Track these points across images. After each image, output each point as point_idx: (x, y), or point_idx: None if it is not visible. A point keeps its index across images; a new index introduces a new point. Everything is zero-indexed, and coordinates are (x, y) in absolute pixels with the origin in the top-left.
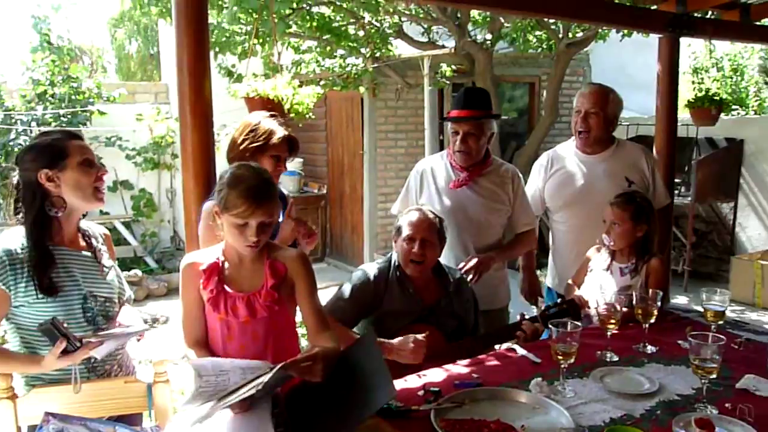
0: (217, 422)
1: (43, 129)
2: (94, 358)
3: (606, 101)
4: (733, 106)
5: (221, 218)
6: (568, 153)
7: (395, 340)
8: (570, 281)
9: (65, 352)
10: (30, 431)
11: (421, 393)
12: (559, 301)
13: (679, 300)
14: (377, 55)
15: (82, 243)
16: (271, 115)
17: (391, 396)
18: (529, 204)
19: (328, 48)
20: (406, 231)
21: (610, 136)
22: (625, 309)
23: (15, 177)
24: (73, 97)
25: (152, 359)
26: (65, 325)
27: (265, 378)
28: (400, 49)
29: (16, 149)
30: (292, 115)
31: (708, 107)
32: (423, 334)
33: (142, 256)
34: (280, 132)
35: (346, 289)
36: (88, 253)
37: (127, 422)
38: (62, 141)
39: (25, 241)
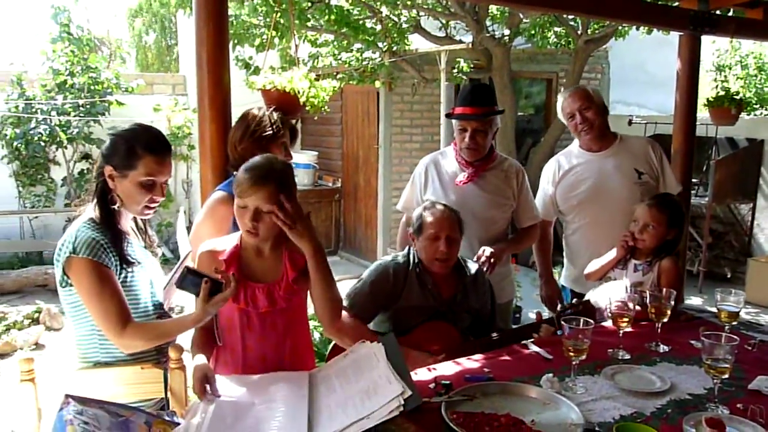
0: (228, 411)
1: (130, 125)
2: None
3: (589, 94)
4: (757, 106)
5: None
6: (575, 155)
7: (415, 353)
8: (588, 270)
9: (211, 295)
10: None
11: (432, 386)
12: (574, 302)
13: (694, 301)
14: (394, 49)
15: (137, 234)
16: (271, 108)
17: (417, 403)
18: (533, 199)
19: (345, 42)
20: (429, 230)
21: (612, 132)
22: (638, 308)
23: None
24: (92, 87)
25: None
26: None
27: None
28: (417, 43)
29: (36, 138)
30: (307, 108)
31: (728, 106)
32: (441, 357)
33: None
34: (285, 121)
35: (365, 284)
36: (140, 242)
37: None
38: (142, 151)
39: (102, 231)
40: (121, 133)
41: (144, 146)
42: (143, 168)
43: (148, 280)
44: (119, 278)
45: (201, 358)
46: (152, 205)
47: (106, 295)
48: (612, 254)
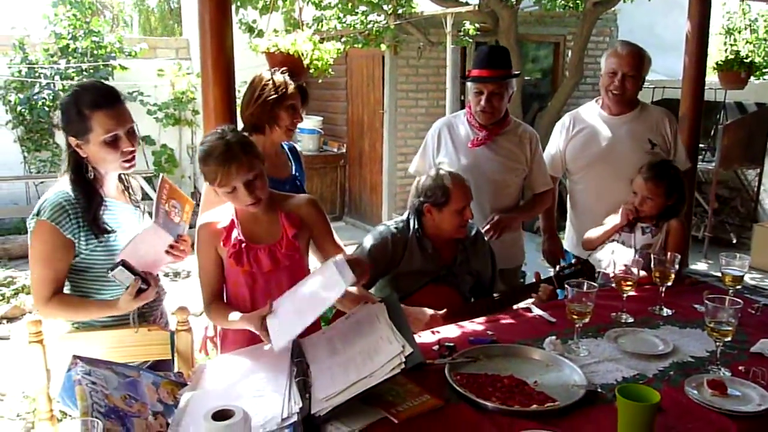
0: (234, 370)
1: (75, 82)
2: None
3: (642, 63)
4: (766, 70)
5: (217, 191)
6: (591, 114)
7: (411, 309)
8: (588, 235)
9: (139, 292)
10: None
11: (436, 348)
12: (573, 261)
13: (699, 266)
14: (399, 11)
15: (125, 195)
16: (279, 70)
17: (418, 360)
18: (546, 165)
19: (350, 4)
20: (459, 203)
21: (636, 98)
22: (642, 273)
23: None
24: (95, 51)
25: (173, 311)
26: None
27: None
28: (423, 5)
29: (40, 103)
30: (311, 70)
31: (737, 70)
32: (441, 312)
33: None
34: (292, 82)
35: (364, 251)
36: (129, 204)
37: (159, 369)
38: (90, 111)
39: (76, 194)
40: (65, 100)
41: (90, 105)
42: (99, 127)
43: None
44: (93, 243)
45: (237, 314)
46: (129, 157)
47: (49, 263)
48: (613, 221)
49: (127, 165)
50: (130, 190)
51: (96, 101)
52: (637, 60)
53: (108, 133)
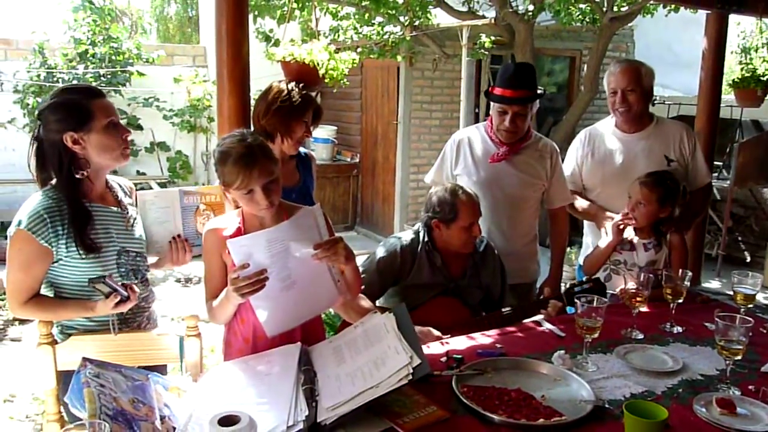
0: (240, 376)
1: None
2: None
3: (639, 76)
4: None
5: (229, 194)
6: (606, 131)
7: (417, 328)
8: (587, 260)
9: (118, 302)
10: (64, 376)
11: (444, 359)
12: (584, 278)
13: (712, 285)
14: (416, 23)
15: (111, 198)
16: (297, 85)
17: (425, 372)
18: (566, 180)
19: (367, 15)
20: (467, 219)
21: (649, 113)
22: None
23: (37, 133)
24: (113, 57)
25: (184, 316)
26: (116, 278)
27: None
28: (439, 18)
29: None
30: (326, 80)
31: (754, 88)
32: (446, 336)
33: None
34: (310, 98)
35: (373, 262)
36: (117, 209)
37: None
38: (87, 101)
39: (58, 201)
40: (59, 100)
41: (88, 96)
42: (101, 113)
43: (116, 250)
44: (74, 249)
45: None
46: (127, 146)
47: (25, 270)
48: (606, 241)
49: (127, 152)
50: (114, 192)
51: (91, 92)
52: (632, 74)
53: (108, 116)
